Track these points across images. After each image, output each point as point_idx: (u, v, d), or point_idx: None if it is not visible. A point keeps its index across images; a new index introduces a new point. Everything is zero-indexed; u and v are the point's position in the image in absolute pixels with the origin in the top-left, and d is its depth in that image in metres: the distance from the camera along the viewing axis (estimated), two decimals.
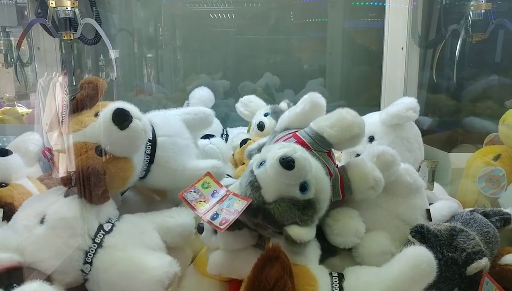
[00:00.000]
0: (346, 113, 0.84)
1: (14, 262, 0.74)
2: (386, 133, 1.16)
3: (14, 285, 0.70)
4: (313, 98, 0.93)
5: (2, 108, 2.52)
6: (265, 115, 1.45)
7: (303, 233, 0.71)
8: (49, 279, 0.76)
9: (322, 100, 0.93)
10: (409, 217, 0.88)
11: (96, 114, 0.89)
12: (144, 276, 0.75)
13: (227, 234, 0.82)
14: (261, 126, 1.41)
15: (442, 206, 1.00)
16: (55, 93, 1.08)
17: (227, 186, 0.83)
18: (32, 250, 0.77)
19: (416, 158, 1.16)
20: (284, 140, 0.89)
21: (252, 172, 0.76)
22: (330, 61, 2.05)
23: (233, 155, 1.39)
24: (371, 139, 1.18)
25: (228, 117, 1.88)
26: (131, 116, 0.83)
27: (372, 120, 1.20)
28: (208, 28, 2.09)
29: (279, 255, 0.68)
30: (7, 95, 2.96)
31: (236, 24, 2.09)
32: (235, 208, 0.75)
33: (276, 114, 1.40)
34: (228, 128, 1.69)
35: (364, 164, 0.85)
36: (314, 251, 0.78)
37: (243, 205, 0.73)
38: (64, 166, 0.86)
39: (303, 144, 0.83)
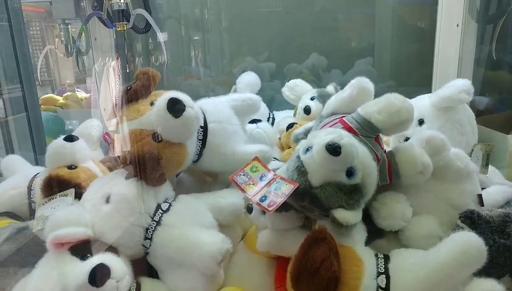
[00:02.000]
0: (394, 99, 0.83)
1: (87, 236, 0.82)
2: (436, 116, 1.13)
3: (88, 255, 0.79)
4: (360, 83, 0.93)
5: (65, 94, 2.71)
6: (312, 99, 1.45)
7: (349, 216, 0.72)
8: (115, 251, 0.84)
9: (370, 85, 0.93)
10: (459, 202, 0.87)
11: (152, 103, 0.94)
12: (199, 252, 0.81)
13: (274, 215, 0.85)
14: (307, 111, 1.41)
15: (497, 190, 0.97)
16: (108, 77, 1.16)
17: (274, 170, 0.85)
18: (100, 226, 0.85)
19: (469, 141, 1.12)
20: (331, 126, 0.90)
21: (298, 157, 0.78)
22: (379, 39, 1.98)
23: (279, 138, 1.41)
24: (421, 122, 1.16)
25: (274, 100, 1.89)
26: (184, 105, 0.87)
27: (422, 103, 1.17)
28: (253, 9, 2.09)
29: (326, 237, 0.70)
30: (68, 81, 3.16)
31: (282, 4, 2.07)
32: (282, 191, 0.77)
33: (323, 98, 1.40)
34: (274, 112, 1.70)
35: (412, 148, 0.85)
36: (360, 233, 0.80)
37: (290, 189, 0.75)
38: (122, 149, 0.94)
39: (350, 130, 0.84)
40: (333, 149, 0.71)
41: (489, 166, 1.07)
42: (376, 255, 0.76)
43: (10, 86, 1.57)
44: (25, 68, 1.57)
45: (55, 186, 0.95)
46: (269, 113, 1.66)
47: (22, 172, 1.17)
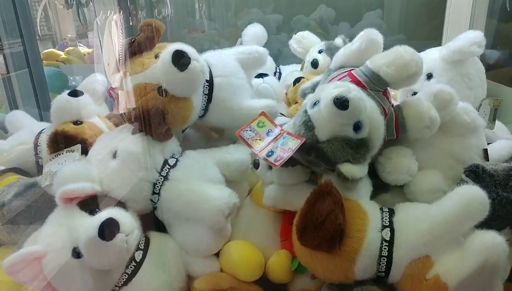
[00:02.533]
0: (403, 51, 0.81)
1: (95, 191, 0.83)
2: (445, 70, 1.11)
3: (97, 210, 0.80)
4: (369, 35, 0.90)
5: (66, 49, 2.66)
6: (319, 52, 1.42)
7: (355, 170, 0.73)
8: (124, 206, 0.85)
9: (379, 38, 0.91)
10: (464, 156, 0.86)
11: (156, 56, 0.92)
12: (206, 206, 0.82)
13: (281, 170, 0.86)
14: (315, 64, 1.38)
15: (502, 146, 0.97)
16: (111, 31, 1.12)
17: (281, 125, 0.85)
18: (107, 181, 0.86)
19: (477, 95, 1.11)
20: (339, 80, 0.89)
21: (305, 111, 0.77)
22: None
23: (286, 93, 1.40)
24: (429, 76, 1.14)
25: (281, 54, 1.85)
26: (189, 58, 0.85)
27: (431, 57, 1.14)
28: None
29: (331, 190, 0.71)
30: (69, 35, 3.09)
31: None
32: (289, 146, 0.77)
33: (331, 51, 1.37)
34: (281, 66, 1.67)
35: (420, 102, 0.84)
36: (365, 187, 0.81)
37: (297, 144, 0.75)
38: (127, 105, 0.93)
39: (358, 83, 0.83)
40: (341, 103, 0.70)
41: (496, 121, 1.05)
42: (381, 209, 0.77)
43: (11, 41, 1.54)
44: (25, 21, 1.53)
45: (61, 141, 0.95)
46: (276, 68, 1.63)
47: (27, 128, 1.17)
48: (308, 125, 0.76)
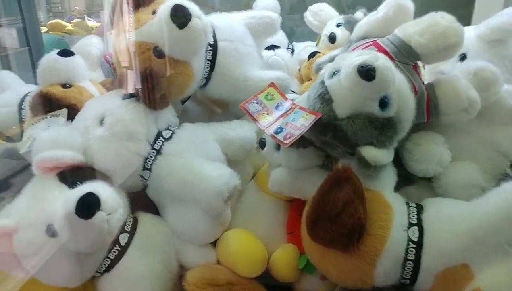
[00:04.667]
0: (440, 18, 0.70)
1: (77, 161, 0.74)
2: (482, 50, 0.98)
3: (78, 182, 0.70)
4: (398, 1, 0.79)
5: (73, 21, 2.57)
6: (338, 26, 1.30)
7: (380, 155, 0.62)
8: (109, 181, 0.75)
9: (409, 4, 0.79)
10: (508, 148, 0.75)
11: (154, 12, 0.81)
12: (203, 186, 0.73)
13: (290, 151, 0.76)
14: (332, 38, 1.26)
15: None
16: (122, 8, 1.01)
17: (292, 100, 0.75)
18: (92, 151, 0.76)
19: None
20: (363, 49, 0.77)
21: (322, 82, 0.67)
22: None
23: (299, 69, 1.29)
24: (463, 57, 1.01)
25: (294, 34, 1.75)
26: (190, 14, 0.75)
27: (466, 35, 1.00)
28: None
29: (350, 177, 0.61)
30: (77, 8, 3.01)
31: None
32: (301, 123, 0.68)
33: (351, 24, 1.23)
34: (294, 43, 1.56)
35: (457, 81, 0.72)
36: (390, 177, 0.70)
37: (310, 120, 0.66)
38: (123, 68, 0.82)
39: (385, 53, 0.71)
40: (366, 72, 0.60)
41: None
42: (407, 203, 0.66)
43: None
44: None
45: (46, 104, 0.86)
46: (288, 44, 1.51)
47: (13, 89, 1.07)
48: (325, 98, 0.65)
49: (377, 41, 0.77)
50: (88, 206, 0.62)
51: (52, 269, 0.69)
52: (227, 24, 0.93)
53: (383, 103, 0.62)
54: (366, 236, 0.60)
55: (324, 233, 0.60)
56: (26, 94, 1.02)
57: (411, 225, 0.62)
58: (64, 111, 0.86)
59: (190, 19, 0.75)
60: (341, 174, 0.61)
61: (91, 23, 2.60)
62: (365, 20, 0.87)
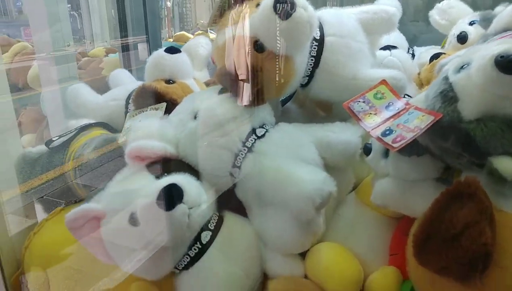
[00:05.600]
0: None
1: (167, 153, 0.73)
2: None
3: (165, 174, 0.69)
4: None
5: (196, 32, 2.77)
6: (471, 24, 1.11)
7: None
8: (197, 175, 0.73)
9: None
10: None
11: (258, 5, 0.77)
12: (292, 189, 0.65)
13: (401, 159, 0.65)
14: (462, 38, 1.07)
15: None
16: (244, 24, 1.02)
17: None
18: (184, 144, 0.75)
19: None
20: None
21: (446, 78, 0.56)
22: None
23: (418, 73, 1.13)
24: None
25: (417, 41, 1.54)
26: (295, 4, 0.69)
27: None
28: None
29: (476, 193, 0.48)
30: (202, 21, 3.24)
31: None
32: (416, 124, 0.57)
33: (488, 22, 1.04)
34: (415, 47, 1.39)
35: None
36: None
37: (428, 121, 0.55)
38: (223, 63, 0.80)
39: None
40: (507, 63, 0.49)
41: None
42: None
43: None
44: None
45: (147, 97, 0.88)
46: (409, 48, 1.36)
47: (124, 85, 1.15)
48: (448, 96, 0.55)
49: None
50: (169, 197, 0.60)
51: (133, 258, 0.68)
52: (337, 19, 0.85)
53: None
54: (495, 268, 0.47)
55: (436, 257, 0.48)
56: (135, 89, 1.08)
57: None
58: (163, 105, 0.88)
59: (294, 9, 0.69)
60: (463, 188, 0.49)
61: (213, 35, 2.76)
62: (508, 10, 0.71)
